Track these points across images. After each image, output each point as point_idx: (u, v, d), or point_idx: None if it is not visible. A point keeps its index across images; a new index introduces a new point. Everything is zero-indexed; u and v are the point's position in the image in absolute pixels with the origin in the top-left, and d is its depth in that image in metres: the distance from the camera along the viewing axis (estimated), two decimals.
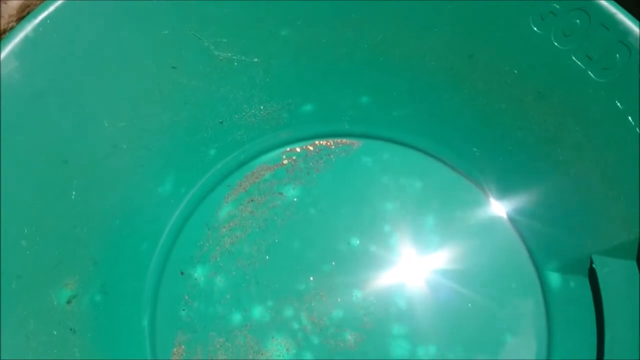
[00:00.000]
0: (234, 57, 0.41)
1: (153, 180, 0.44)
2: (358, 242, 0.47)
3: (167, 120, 0.43)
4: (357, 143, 0.50)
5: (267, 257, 0.47)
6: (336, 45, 0.42)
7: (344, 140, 0.50)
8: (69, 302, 0.38)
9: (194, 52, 0.40)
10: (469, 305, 0.43)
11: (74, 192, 0.37)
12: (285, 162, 0.50)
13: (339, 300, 0.44)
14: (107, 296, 0.41)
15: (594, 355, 0.38)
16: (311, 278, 0.46)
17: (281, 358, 0.43)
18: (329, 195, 0.48)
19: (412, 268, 0.46)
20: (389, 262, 0.46)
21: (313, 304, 0.44)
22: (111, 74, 0.37)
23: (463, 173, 0.48)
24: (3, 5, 0.34)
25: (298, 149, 0.50)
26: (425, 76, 0.43)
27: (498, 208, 0.47)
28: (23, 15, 0.36)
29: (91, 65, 0.35)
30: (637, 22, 0.32)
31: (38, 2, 0.36)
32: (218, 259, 0.47)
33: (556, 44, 0.35)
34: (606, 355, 0.36)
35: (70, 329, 0.37)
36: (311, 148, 0.50)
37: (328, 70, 0.44)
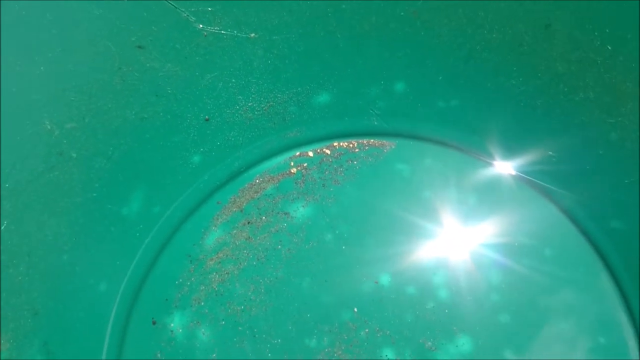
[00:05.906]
0: (223, 32, 0.40)
1: (114, 198, 0.41)
2: (389, 280, 0.42)
3: (133, 118, 0.40)
4: (389, 145, 0.47)
5: (268, 301, 0.42)
6: (362, 13, 0.40)
7: (372, 141, 0.47)
8: None
9: (169, 25, 0.38)
10: None
11: (5, 221, 0.35)
12: (293, 170, 0.47)
13: None
14: (51, 358, 0.38)
15: None
16: (326, 330, 0.41)
17: None
18: (351, 216, 0.45)
19: (467, 318, 0.41)
20: (430, 308, 0.41)
21: None
22: (54, 56, 0.35)
23: (534, 182, 0.44)
24: None
25: (310, 154, 0.47)
26: (483, 54, 0.41)
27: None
28: None
29: (25, 42, 0.34)
30: None
31: None
32: (202, 304, 0.43)
33: None
34: None
35: None
36: (328, 152, 0.47)
37: (350, 47, 0.42)
